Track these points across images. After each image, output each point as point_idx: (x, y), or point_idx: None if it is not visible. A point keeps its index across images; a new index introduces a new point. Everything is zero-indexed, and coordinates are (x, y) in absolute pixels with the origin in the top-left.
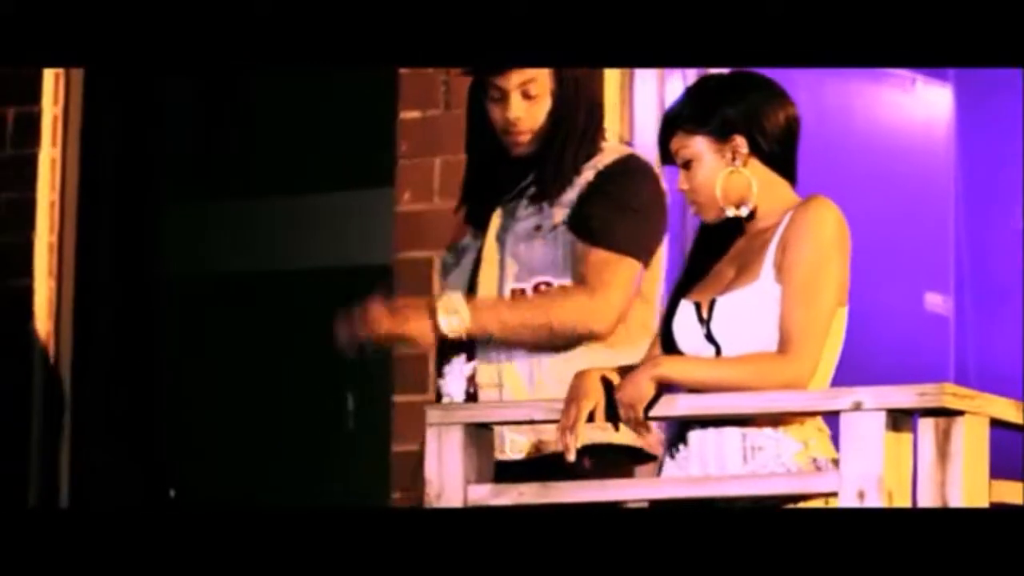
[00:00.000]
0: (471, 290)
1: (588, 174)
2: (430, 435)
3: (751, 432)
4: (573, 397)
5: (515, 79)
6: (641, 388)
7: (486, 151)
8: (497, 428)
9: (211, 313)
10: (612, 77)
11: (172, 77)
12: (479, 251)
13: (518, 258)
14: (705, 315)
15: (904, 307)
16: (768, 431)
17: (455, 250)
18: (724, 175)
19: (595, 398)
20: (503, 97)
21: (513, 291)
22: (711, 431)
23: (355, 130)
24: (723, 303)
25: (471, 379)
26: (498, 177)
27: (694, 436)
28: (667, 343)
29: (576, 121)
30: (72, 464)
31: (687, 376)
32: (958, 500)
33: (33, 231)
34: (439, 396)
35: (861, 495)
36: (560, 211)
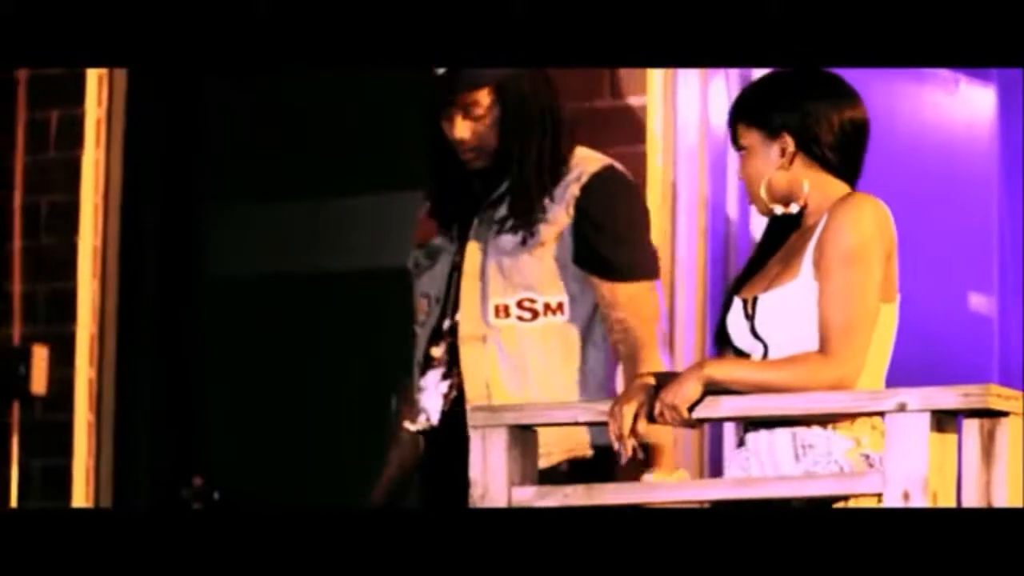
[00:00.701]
0: (448, 300)
1: (573, 188)
2: (474, 437)
3: (801, 431)
4: (618, 400)
5: (462, 99)
6: (684, 390)
7: (451, 158)
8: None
9: (254, 314)
10: (654, 77)
11: (214, 77)
12: (455, 257)
13: (502, 272)
14: (750, 311)
15: (948, 308)
16: (818, 429)
17: (428, 250)
18: (770, 172)
19: (639, 400)
20: (450, 117)
21: (497, 307)
22: (763, 432)
23: (396, 132)
24: (765, 300)
25: (446, 396)
26: (467, 182)
27: (750, 437)
28: (722, 339)
29: (531, 138)
30: (115, 464)
31: (731, 377)
32: (1003, 500)
33: (77, 233)
34: (416, 411)
35: (906, 496)
36: (547, 228)
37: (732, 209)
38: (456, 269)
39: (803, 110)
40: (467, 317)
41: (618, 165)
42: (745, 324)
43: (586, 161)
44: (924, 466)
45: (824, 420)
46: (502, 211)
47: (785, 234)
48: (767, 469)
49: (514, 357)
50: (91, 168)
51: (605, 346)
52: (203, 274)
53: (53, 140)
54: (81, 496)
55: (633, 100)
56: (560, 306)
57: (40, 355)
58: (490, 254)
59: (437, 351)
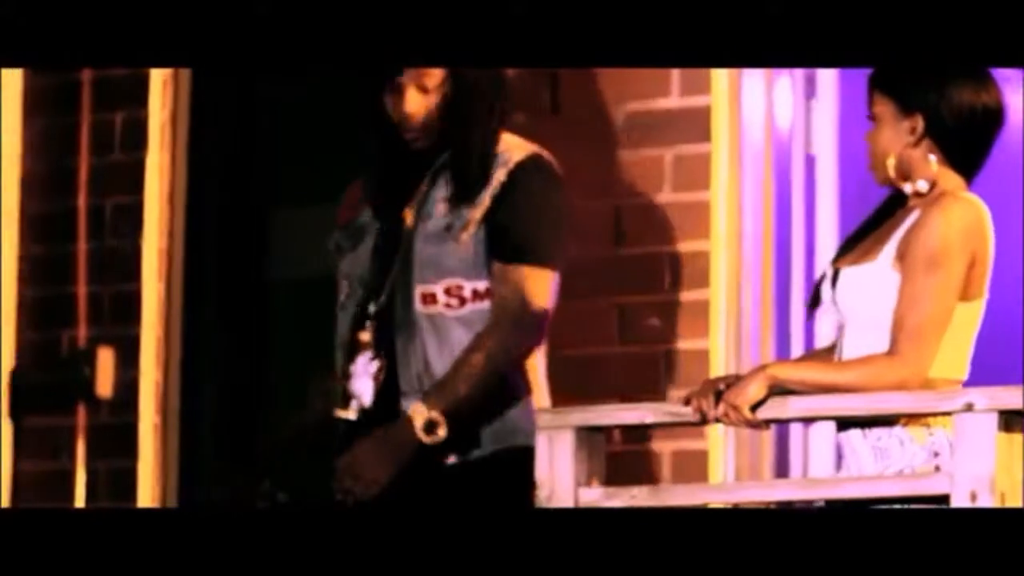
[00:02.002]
0: (373, 283)
1: (499, 173)
2: (541, 439)
3: (877, 431)
4: (688, 397)
5: (412, 72)
6: (748, 391)
7: (391, 137)
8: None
9: (319, 315)
10: (719, 77)
11: (278, 79)
12: (378, 239)
13: (428, 259)
14: (834, 283)
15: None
16: (897, 429)
17: (349, 230)
18: (896, 147)
19: (703, 395)
20: (399, 91)
21: (424, 294)
22: (844, 433)
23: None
24: (846, 274)
25: (376, 378)
26: (401, 165)
27: (840, 438)
28: (815, 303)
29: (477, 122)
30: (181, 465)
31: (796, 378)
32: None
33: (142, 235)
34: (347, 398)
35: (973, 496)
36: (472, 211)
37: (797, 209)
38: (380, 252)
39: (942, 95)
40: (398, 303)
41: (545, 154)
42: (830, 294)
43: (513, 148)
44: (991, 466)
45: (900, 420)
46: (434, 195)
47: (894, 211)
48: (851, 470)
49: (444, 345)
50: (155, 170)
51: None
52: (268, 275)
53: (118, 142)
54: (147, 498)
55: (698, 100)
56: (487, 292)
57: (105, 357)
58: (417, 239)
59: (364, 335)
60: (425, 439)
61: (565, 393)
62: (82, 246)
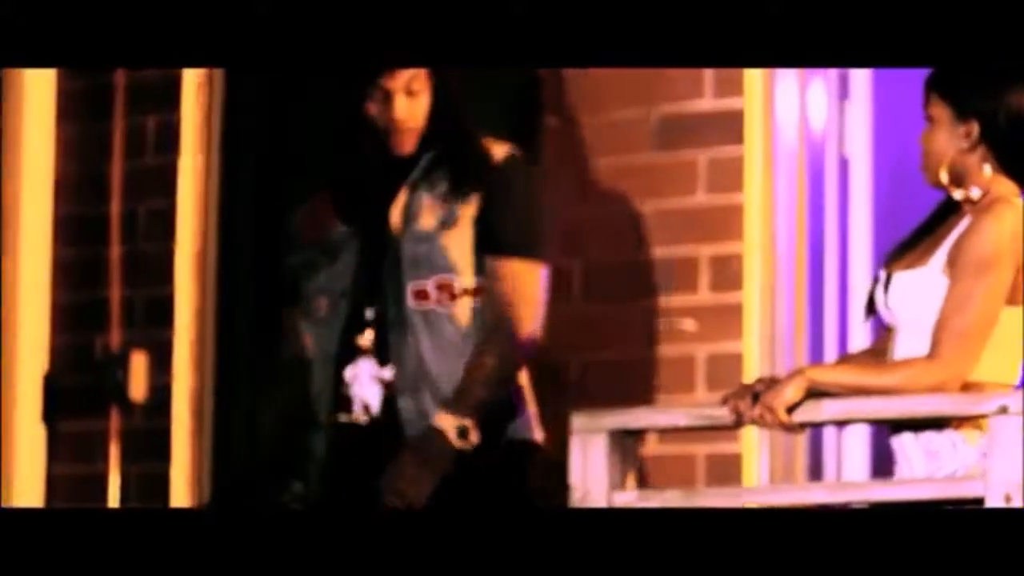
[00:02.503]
0: (367, 292)
1: (484, 171)
2: (574, 442)
3: (928, 434)
4: (725, 399)
5: (401, 77)
6: (784, 393)
7: (372, 149)
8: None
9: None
10: (753, 80)
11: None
12: (364, 247)
13: (419, 256)
14: (886, 286)
15: None
16: (948, 431)
17: (324, 247)
18: (950, 151)
19: (740, 396)
20: (387, 97)
21: (416, 291)
22: (897, 437)
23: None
24: (898, 279)
25: (387, 383)
26: (379, 175)
27: (892, 441)
28: (870, 308)
29: (461, 115)
30: (214, 470)
31: (833, 380)
32: None
33: (175, 239)
34: (348, 402)
35: (1008, 498)
36: (462, 208)
37: (831, 211)
38: (369, 258)
39: (999, 102)
40: (390, 302)
41: (519, 152)
42: (882, 298)
43: (496, 146)
44: None
45: (952, 423)
46: (421, 194)
47: (947, 216)
48: (905, 474)
49: (437, 341)
50: (188, 174)
51: None
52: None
53: (151, 146)
54: (180, 503)
55: (731, 102)
56: (475, 289)
57: (139, 361)
58: (406, 239)
59: (364, 340)
60: (459, 445)
61: (599, 396)
62: (115, 250)
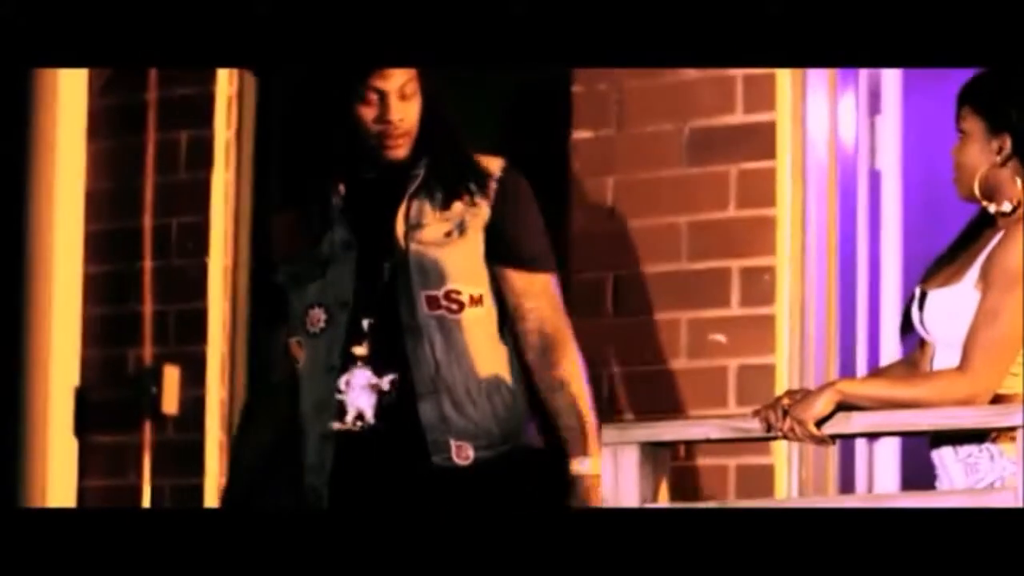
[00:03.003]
0: (362, 300)
1: (491, 183)
2: (606, 454)
3: (967, 447)
4: (756, 411)
5: (395, 80)
6: (815, 406)
7: (363, 153)
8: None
9: None
10: (784, 93)
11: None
12: (361, 257)
13: (429, 264)
14: (921, 304)
15: None
16: (987, 444)
17: (312, 260)
18: (983, 165)
19: (772, 409)
20: (381, 99)
21: (428, 298)
22: (936, 450)
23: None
24: (933, 297)
25: (386, 392)
26: (375, 182)
27: (934, 455)
28: (905, 327)
29: (448, 118)
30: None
31: (863, 394)
32: None
33: (207, 254)
34: (343, 411)
35: None
36: (472, 218)
37: (862, 225)
38: (367, 267)
39: None
40: (403, 310)
41: (513, 166)
42: (917, 316)
43: (490, 160)
44: None
45: (991, 435)
46: (423, 202)
47: (980, 232)
48: (944, 486)
49: (450, 347)
50: (221, 189)
51: (510, 340)
52: None
53: (183, 161)
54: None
55: (762, 116)
56: (481, 298)
57: (171, 375)
58: (413, 247)
59: (360, 350)
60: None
61: (631, 408)
62: (148, 265)
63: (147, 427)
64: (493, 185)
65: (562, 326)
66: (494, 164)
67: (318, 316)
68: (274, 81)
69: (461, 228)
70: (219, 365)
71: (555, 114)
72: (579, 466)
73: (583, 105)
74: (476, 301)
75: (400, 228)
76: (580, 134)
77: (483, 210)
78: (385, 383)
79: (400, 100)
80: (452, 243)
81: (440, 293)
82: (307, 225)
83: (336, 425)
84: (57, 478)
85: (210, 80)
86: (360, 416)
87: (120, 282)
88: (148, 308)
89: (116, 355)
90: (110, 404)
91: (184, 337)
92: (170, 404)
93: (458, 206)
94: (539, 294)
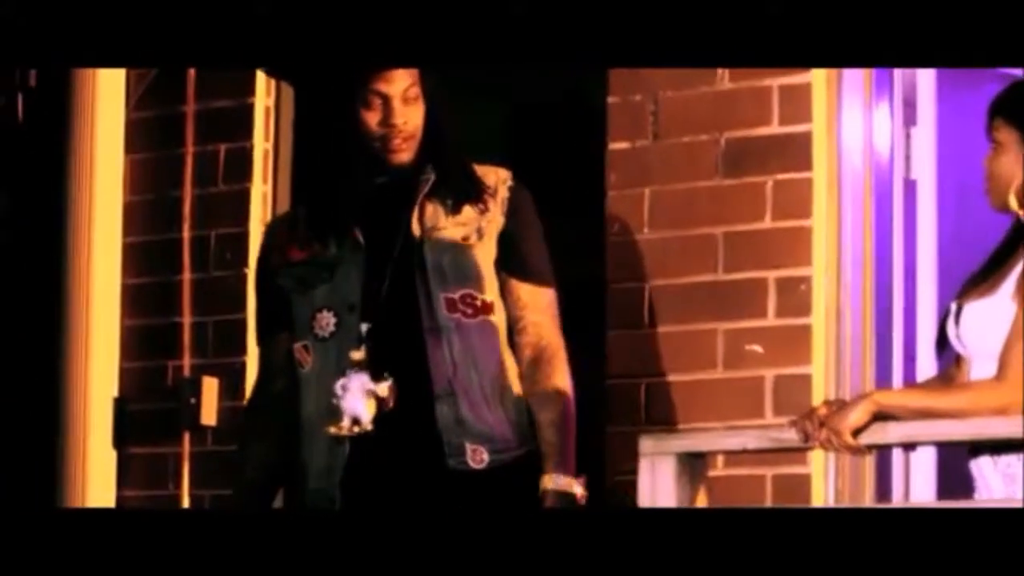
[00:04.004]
0: (369, 303)
1: (502, 190)
2: (643, 465)
3: (1007, 457)
4: (793, 421)
5: (399, 83)
6: (851, 417)
7: (368, 157)
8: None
9: None
10: (819, 104)
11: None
12: (372, 259)
13: (447, 267)
14: (957, 318)
15: None
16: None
17: (320, 264)
18: (1022, 174)
19: (808, 419)
20: (385, 103)
21: (446, 300)
22: (975, 460)
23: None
24: (969, 310)
25: (383, 398)
26: (383, 185)
27: (972, 465)
28: (941, 343)
29: (448, 119)
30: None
31: (899, 404)
32: None
33: (246, 265)
34: (339, 415)
35: None
36: (487, 224)
37: (897, 235)
38: (378, 270)
39: None
40: (423, 311)
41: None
42: (954, 330)
43: (497, 170)
44: None
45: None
46: (436, 205)
47: (1017, 243)
48: (983, 495)
49: (466, 349)
50: (259, 201)
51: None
52: None
53: (221, 173)
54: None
55: (798, 127)
56: (492, 305)
57: (210, 386)
58: (429, 250)
59: (357, 354)
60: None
61: (668, 419)
62: (187, 276)
63: (186, 438)
64: (505, 194)
65: (557, 342)
66: (503, 174)
67: (327, 319)
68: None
69: (479, 233)
70: None
71: (592, 126)
72: (552, 482)
73: (619, 116)
74: (489, 307)
75: (416, 230)
76: (616, 145)
77: (497, 218)
78: (383, 389)
79: (403, 104)
80: (469, 247)
81: (457, 296)
82: (314, 228)
83: (332, 430)
84: (96, 489)
85: (248, 92)
86: (356, 421)
87: (159, 293)
88: (187, 319)
89: (155, 366)
90: (149, 415)
91: (223, 348)
92: (209, 415)
93: (471, 212)
94: (542, 309)
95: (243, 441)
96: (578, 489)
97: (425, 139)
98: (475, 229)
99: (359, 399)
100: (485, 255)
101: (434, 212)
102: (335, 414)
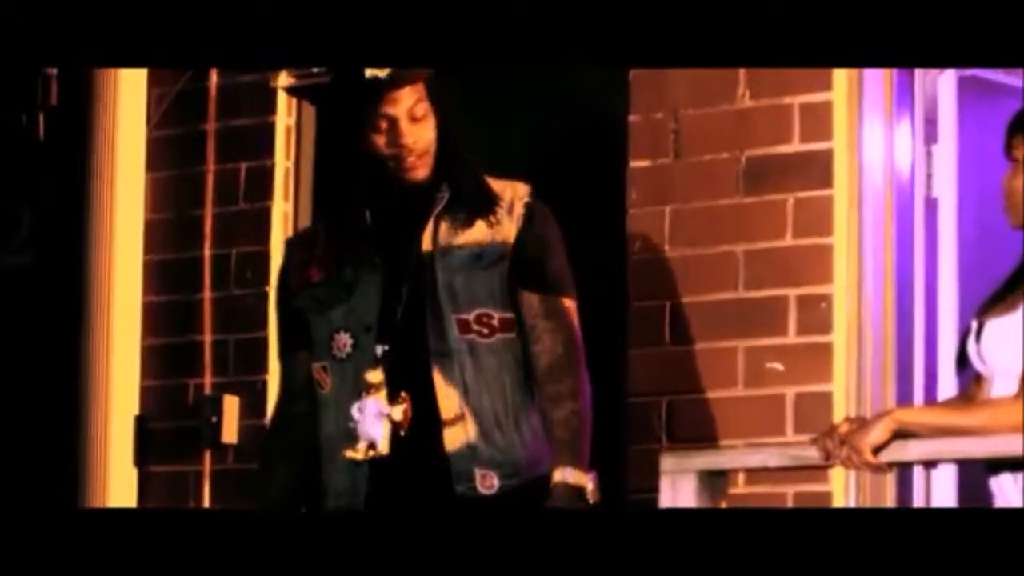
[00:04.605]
0: (385, 325)
1: (518, 206)
2: (664, 483)
3: None
4: (814, 439)
5: (404, 103)
6: (872, 435)
7: (380, 179)
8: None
9: None
10: (840, 122)
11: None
12: (387, 280)
13: (458, 288)
14: (978, 335)
15: None
16: None
17: (336, 285)
18: None
19: (829, 436)
20: (392, 124)
21: (459, 321)
22: (995, 477)
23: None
24: (991, 326)
25: (398, 421)
26: (401, 202)
27: (992, 482)
28: (962, 361)
29: (461, 133)
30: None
31: (921, 421)
32: None
33: (267, 284)
34: (355, 437)
35: None
36: (501, 242)
37: (918, 253)
38: (393, 291)
39: None
40: (432, 334)
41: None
42: (974, 347)
43: (516, 185)
44: None
45: None
46: (448, 225)
47: None
48: None
49: (479, 372)
50: (280, 219)
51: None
52: None
53: (242, 192)
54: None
55: (819, 145)
56: (510, 322)
57: (231, 404)
58: (442, 270)
59: (373, 376)
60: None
61: (688, 436)
62: (208, 295)
63: (207, 456)
64: (520, 209)
65: (574, 349)
66: (520, 189)
67: (344, 341)
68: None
69: (491, 251)
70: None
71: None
72: (560, 475)
73: (640, 134)
74: (507, 325)
75: (427, 250)
76: (637, 163)
77: (510, 233)
78: (397, 412)
79: (411, 123)
80: (483, 267)
81: (471, 316)
82: (332, 249)
83: (349, 454)
84: (117, 506)
85: (269, 110)
86: (372, 445)
87: (180, 312)
88: (208, 337)
89: (176, 384)
90: (170, 433)
91: (244, 366)
92: (230, 433)
93: (484, 228)
94: (558, 317)
95: (265, 461)
96: (588, 483)
97: (439, 155)
98: (487, 246)
99: (374, 422)
100: (500, 271)
101: (448, 230)
102: (352, 437)
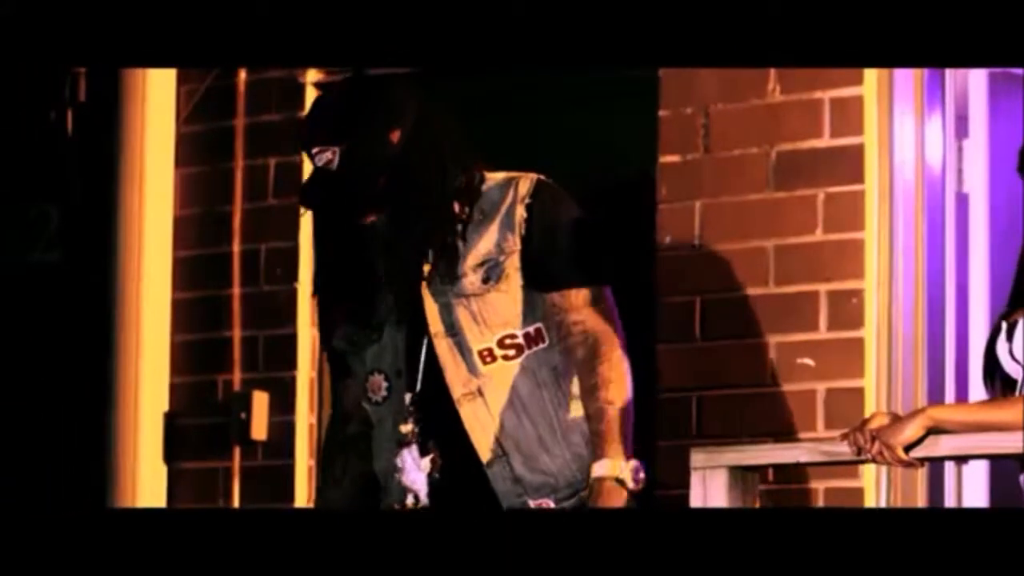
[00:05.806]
0: (411, 371)
1: (519, 211)
2: (695, 479)
3: None
4: (845, 435)
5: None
6: (904, 431)
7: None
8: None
9: None
10: (871, 117)
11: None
12: (402, 324)
13: (475, 318)
14: (1010, 334)
15: None
16: None
17: (371, 325)
18: None
19: (861, 432)
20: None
21: (481, 353)
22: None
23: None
24: (1022, 324)
25: (430, 473)
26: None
27: (1022, 479)
28: (990, 366)
29: (422, 165)
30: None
31: (954, 418)
32: None
33: (296, 279)
34: (403, 491)
35: None
36: (508, 259)
37: (949, 248)
38: (413, 336)
39: None
40: (454, 379)
41: (543, 177)
42: (1006, 347)
43: (515, 182)
44: None
45: None
46: (451, 255)
47: None
48: None
49: (513, 400)
50: (310, 214)
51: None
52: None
53: (272, 187)
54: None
55: (850, 140)
56: (539, 333)
57: (260, 400)
58: (455, 305)
59: (406, 427)
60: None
61: (719, 432)
62: (237, 291)
63: (236, 453)
64: (523, 214)
65: (608, 332)
66: (523, 189)
67: (379, 383)
68: None
69: (499, 271)
70: (308, 391)
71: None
72: (595, 470)
73: (670, 129)
74: (535, 338)
75: (429, 292)
76: (667, 158)
77: (515, 243)
78: (426, 464)
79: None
80: (493, 288)
81: (493, 343)
82: (357, 292)
83: (396, 506)
84: (147, 503)
85: (298, 105)
86: (416, 497)
87: (209, 308)
88: (237, 334)
89: (205, 381)
90: (199, 430)
91: (273, 363)
92: (259, 430)
93: (485, 246)
94: (582, 307)
95: (321, 488)
96: (623, 472)
97: (389, 191)
98: (492, 265)
99: (415, 475)
100: (512, 287)
101: (447, 262)
102: (400, 488)
